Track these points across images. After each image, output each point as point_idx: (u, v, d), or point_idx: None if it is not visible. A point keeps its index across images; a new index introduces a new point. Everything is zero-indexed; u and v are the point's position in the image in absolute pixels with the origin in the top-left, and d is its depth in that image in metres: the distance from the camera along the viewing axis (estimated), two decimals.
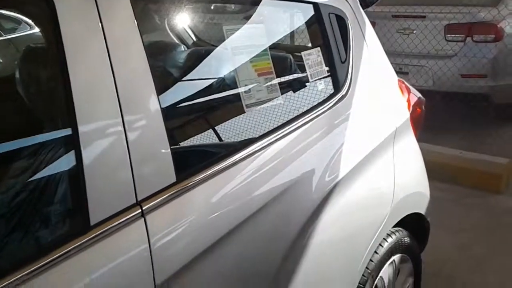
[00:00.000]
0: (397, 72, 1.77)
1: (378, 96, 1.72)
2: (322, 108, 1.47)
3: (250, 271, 1.21)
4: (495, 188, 3.62)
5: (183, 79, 1.39)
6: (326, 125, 1.48)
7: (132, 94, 0.98)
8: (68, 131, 0.89)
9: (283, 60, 1.47)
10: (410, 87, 2.02)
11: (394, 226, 1.83)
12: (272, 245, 1.28)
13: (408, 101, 1.91)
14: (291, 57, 1.51)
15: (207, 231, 1.09)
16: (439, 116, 5.22)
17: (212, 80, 1.29)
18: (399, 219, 1.81)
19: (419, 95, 2.02)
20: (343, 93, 1.56)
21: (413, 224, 2.00)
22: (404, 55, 4.89)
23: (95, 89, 0.92)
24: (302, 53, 1.46)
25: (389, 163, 1.70)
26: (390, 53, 4.95)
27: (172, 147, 1.05)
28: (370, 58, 1.72)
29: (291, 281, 1.33)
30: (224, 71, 1.34)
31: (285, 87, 1.42)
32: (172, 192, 1.04)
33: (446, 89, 4.75)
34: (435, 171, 3.92)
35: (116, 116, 0.94)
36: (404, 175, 1.79)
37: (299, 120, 1.40)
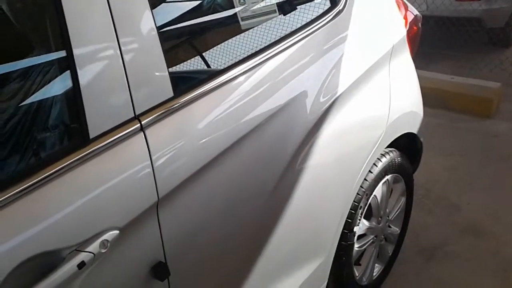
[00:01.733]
0: None
1: (376, 11, 1.66)
2: (318, 24, 1.42)
3: (246, 188, 1.21)
4: (486, 112, 3.65)
5: None
6: (322, 42, 1.43)
7: (126, 11, 0.93)
8: (62, 53, 0.86)
9: None
10: (408, 3, 1.96)
11: (388, 147, 1.84)
12: (269, 164, 1.28)
13: (405, 17, 1.86)
14: None
15: (205, 147, 1.07)
16: (432, 42, 5.16)
17: None
18: (393, 138, 1.82)
19: (416, 12, 1.97)
20: (340, 8, 1.50)
21: (407, 145, 2.03)
22: None
23: (89, 10, 0.88)
24: None
25: (385, 82, 1.68)
26: None
27: (168, 63, 1.02)
28: None
29: (287, 199, 1.35)
30: None
31: (280, 1, 1.36)
32: (169, 107, 1.01)
33: (439, 13, 4.66)
34: (427, 97, 3.91)
35: (110, 34, 0.90)
36: (399, 94, 1.78)
37: (296, 35, 1.35)
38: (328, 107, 1.44)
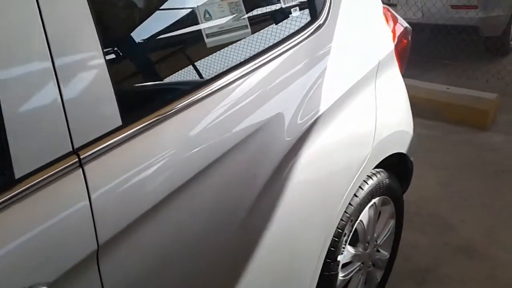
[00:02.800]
0: (384, 3, 1.61)
1: (361, 25, 1.54)
2: (297, 39, 1.31)
3: (212, 222, 1.09)
4: (482, 124, 3.54)
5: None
6: (302, 58, 1.32)
7: (63, 29, 0.81)
8: None
9: None
10: (397, 15, 1.84)
11: (376, 167, 1.72)
12: (240, 192, 1.16)
13: (394, 31, 1.74)
14: None
15: (159, 182, 0.95)
16: (427, 50, 5.06)
17: (166, 5, 1.11)
18: (380, 160, 1.70)
19: (406, 24, 1.85)
20: (321, 21, 1.38)
21: (396, 164, 1.91)
22: None
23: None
24: None
25: (370, 100, 1.57)
26: None
27: (116, 85, 0.90)
28: None
29: (264, 225, 1.22)
30: None
31: (254, 15, 1.24)
32: (116, 138, 0.89)
33: (435, 21, 4.56)
34: (421, 108, 3.84)
35: (43, 54, 0.78)
36: (387, 113, 1.66)
37: (271, 52, 1.23)
38: (309, 127, 1.32)
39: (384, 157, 1.72)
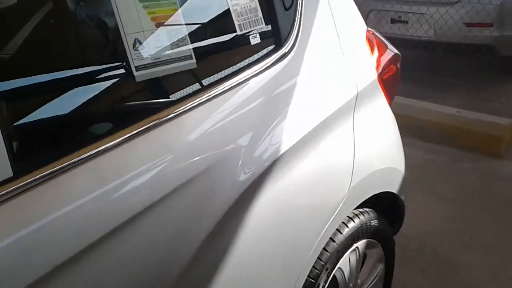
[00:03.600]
0: (395, 21, 1.48)
1: (337, 52, 1.37)
2: (256, 69, 1.15)
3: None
4: (495, 151, 3.29)
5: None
6: (261, 90, 1.16)
7: None
8: None
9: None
10: (383, 39, 1.67)
11: (360, 207, 1.54)
12: (178, 241, 1.00)
13: (379, 58, 1.57)
14: None
15: (59, 245, 0.80)
16: (440, 70, 4.84)
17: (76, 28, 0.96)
18: (362, 200, 1.52)
19: (395, 50, 1.67)
20: (286, 50, 1.22)
21: (385, 203, 1.72)
22: (403, 1, 4.45)
23: None
24: None
25: (347, 136, 1.39)
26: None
27: (4, 130, 0.75)
28: (330, 4, 1.37)
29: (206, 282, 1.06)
30: (97, 18, 0.99)
31: (200, 43, 1.08)
32: (4, 192, 0.75)
33: (448, 39, 4.35)
34: (430, 132, 3.62)
35: None
36: (369, 149, 1.48)
37: (222, 85, 1.08)
38: (268, 167, 1.15)
39: (367, 197, 1.53)
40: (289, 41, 1.24)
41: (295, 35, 1.25)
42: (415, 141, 3.26)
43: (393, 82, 1.67)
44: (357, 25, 1.50)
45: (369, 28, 1.62)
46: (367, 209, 1.61)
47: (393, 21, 4.58)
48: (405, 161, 1.71)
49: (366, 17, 4.67)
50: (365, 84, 1.44)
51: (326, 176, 1.33)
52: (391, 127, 1.65)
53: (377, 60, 1.54)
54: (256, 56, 1.18)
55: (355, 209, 1.53)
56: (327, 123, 1.30)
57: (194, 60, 1.04)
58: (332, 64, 1.35)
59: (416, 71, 4.35)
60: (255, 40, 1.18)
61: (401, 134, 1.68)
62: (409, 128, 3.09)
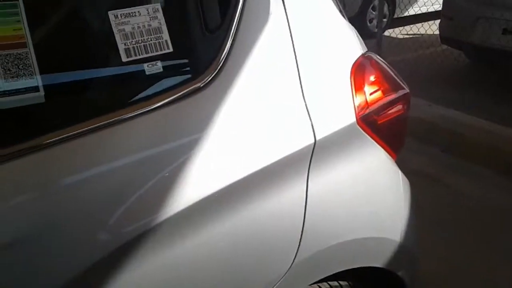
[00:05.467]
0: (508, 32, 1.05)
1: (289, 86, 1.04)
2: (145, 107, 0.89)
3: None
4: None
5: None
6: (147, 134, 0.90)
7: None
8: None
9: (60, 20, 0.88)
10: (391, 71, 1.27)
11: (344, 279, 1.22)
12: None
13: (376, 95, 1.19)
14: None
15: None
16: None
17: None
18: (325, 276, 1.18)
19: (404, 86, 1.27)
20: (201, 84, 0.94)
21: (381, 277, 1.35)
22: None
23: None
24: (111, 13, 0.87)
25: (294, 197, 1.06)
26: (488, 4, 3.84)
27: None
28: (290, 22, 1.04)
29: None
30: None
31: (58, 71, 0.85)
32: None
33: None
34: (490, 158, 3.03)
35: None
36: (334, 215, 1.13)
37: (86, 126, 0.85)
38: (134, 239, 0.89)
39: (333, 272, 1.19)
40: (209, 73, 0.95)
41: (219, 65, 0.96)
42: None
43: (397, 128, 1.28)
44: (338, 51, 1.15)
45: (370, 53, 1.25)
46: (341, 283, 1.27)
47: (505, 31, 3.87)
48: None
49: (473, 26, 4.02)
50: (330, 131, 1.09)
51: (248, 249, 1.03)
52: (385, 186, 1.26)
53: (368, 98, 1.17)
54: (150, 90, 0.92)
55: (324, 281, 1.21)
56: (256, 179, 1.00)
57: (41, 93, 0.82)
58: (275, 102, 1.03)
59: None
60: (152, 69, 0.91)
61: None
62: None
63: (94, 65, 0.90)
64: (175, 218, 0.91)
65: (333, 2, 1.17)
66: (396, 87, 1.25)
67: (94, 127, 0.85)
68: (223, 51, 0.96)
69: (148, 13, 0.90)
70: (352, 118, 1.13)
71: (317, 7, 1.11)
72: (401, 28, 5.61)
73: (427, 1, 6.73)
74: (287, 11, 1.04)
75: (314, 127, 1.06)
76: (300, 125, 1.05)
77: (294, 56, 1.05)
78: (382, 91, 1.21)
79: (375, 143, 1.20)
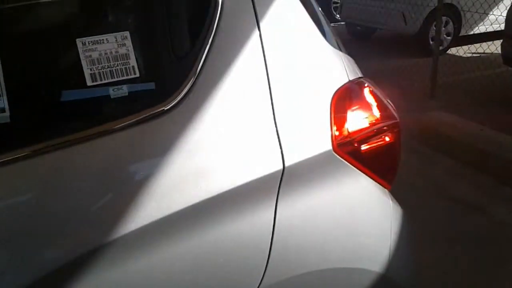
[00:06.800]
0: None
1: (258, 112, 1.04)
2: (111, 128, 0.94)
3: None
4: None
5: None
6: (107, 154, 0.94)
7: None
8: None
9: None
10: (383, 98, 1.24)
11: None
12: None
13: (367, 123, 1.16)
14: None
15: None
16: None
17: None
18: None
19: (394, 114, 1.23)
20: (166, 107, 0.97)
21: None
22: None
23: None
24: (79, 40, 0.92)
25: (259, 225, 1.05)
26: None
27: None
28: (265, 49, 1.05)
29: None
30: None
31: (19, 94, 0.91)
32: None
33: None
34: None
35: None
36: (303, 243, 1.11)
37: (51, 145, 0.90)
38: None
39: None
40: (175, 96, 0.98)
41: (186, 89, 0.99)
42: None
43: (386, 158, 1.24)
44: (317, 76, 1.13)
45: (363, 79, 1.23)
46: None
47: None
48: None
49: None
50: (302, 158, 1.07)
51: (210, 272, 1.03)
52: (368, 216, 1.22)
53: (350, 126, 1.14)
54: (114, 113, 0.96)
55: None
56: (219, 202, 1.00)
57: (7, 114, 0.89)
58: (244, 127, 1.03)
59: None
60: (118, 93, 0.96)
61: None
62: None
63: (59, 88, 0.96)
64: (130, 237, 0.94)
65: (318, 27, 1.15)
66: (385, 116, 1.21)
67: (56, 146, 0.90)
68: (192, 76, 0.99)
69: (116, 40, 0.94)
70: (328, 146, 1.11)
71: (295, 32, 1.11)
72: (466, 46, 5.37)
73: (494, 21, 6.42)
74: (262, 36, 1.05)
75: (284, 154, 1.06)
76: (269, 151, 1.05)
77: (267, 82, 1.05)
78: (368, 119, 1.18)
79: (358, 172, 1.17)
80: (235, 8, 1.03)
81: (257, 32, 1.04)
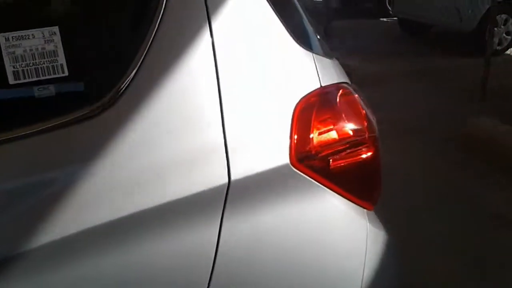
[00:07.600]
0: None
1: (202, 121, 0.93)
2: (32, 130, 0.86)
3: None
4: None
5: None
6: (27, 157, 0.87)
7: None
8: None
9: None
10: (367, 110, 1.09)
11: None
12: None
13: (337, 136, 1.02)
14: None
15: None
16: None
17: None
18: None
19: (374, 126, 1.07)
20: (97, 110, 0.88)
21: None
22: None
23: None
24: (1, 36, 0.85)
25: (200, 244, 0.94)
26: None
27: None
28: (216, 50, 0.94)
29: None
30: None
31: None
32: None
33: None
34: None
35: None
36: (251, 266, 0.99)
37: None
38: None
39: None
40: (107, 99, 0.89)
41: (120, 91, 0.89)
42: None
43: (362, 175, 1.09)
44: (277, 83, 1.00)
45: (345, 85, 1.09)
46: None
47: None
48: None
49: None
50: (252, 172, 0.95)
51: None
52: (333, 237, 1.08)
53: (316, 138, 1.01)
54: (38, 114, 0.88)
55: None
56: (152, 216, 0.91)
57: None
58: (186, 136, 0.93)
59: None
60: (43, 93, 0.88)
61: None
62: None
63: None
64: (50, 247, 0.86)
65: (288, 27, 1.02)
66: (362, 129, 1.06)
67: None
68: (126, 78, 0.89)
69: (44, 36, 0.86)
70: (285, 159, 0.98)
71: (256, 29, 0.99)
72: None
73: None
74: (213, 32, 0.94)
75: (231, 165, 0.94)
76: (214, 161, 0.94)
77: (217, 83, 0.94)
78: (340, 131, 1.04)
79: (326, 189, 1.04)
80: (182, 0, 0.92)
81: (207, 26, 0.93)
